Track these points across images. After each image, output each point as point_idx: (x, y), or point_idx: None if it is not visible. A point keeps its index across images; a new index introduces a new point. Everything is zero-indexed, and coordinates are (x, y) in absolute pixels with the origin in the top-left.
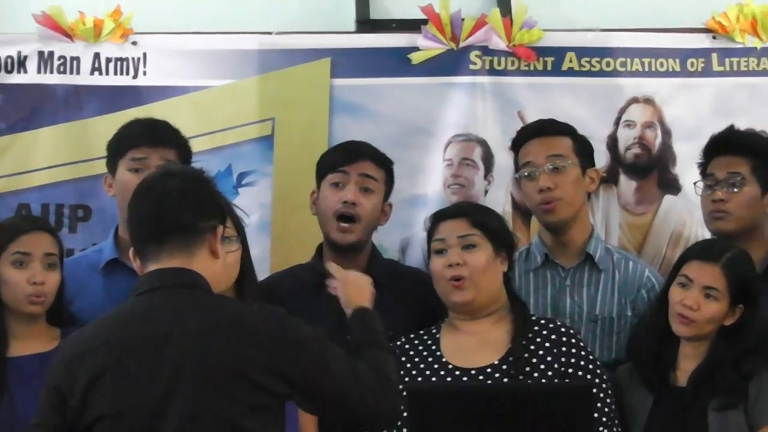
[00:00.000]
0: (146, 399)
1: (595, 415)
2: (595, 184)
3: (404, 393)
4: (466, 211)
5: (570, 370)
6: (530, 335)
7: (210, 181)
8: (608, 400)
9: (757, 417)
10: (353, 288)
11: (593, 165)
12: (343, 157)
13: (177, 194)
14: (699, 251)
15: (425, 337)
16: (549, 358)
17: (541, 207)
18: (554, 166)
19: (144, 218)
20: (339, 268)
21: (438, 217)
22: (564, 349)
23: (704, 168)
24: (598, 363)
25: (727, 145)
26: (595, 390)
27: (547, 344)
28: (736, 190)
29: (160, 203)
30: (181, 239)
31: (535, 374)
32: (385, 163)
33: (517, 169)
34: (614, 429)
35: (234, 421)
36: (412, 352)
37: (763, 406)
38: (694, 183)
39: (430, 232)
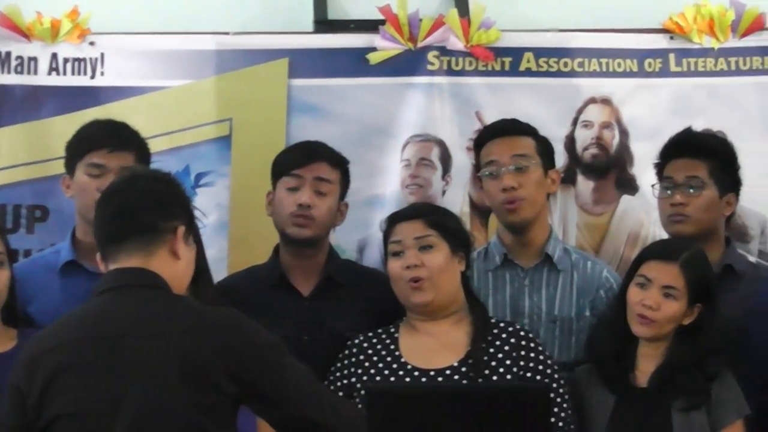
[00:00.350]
0: (101, 398)
1: (552, 419)
2: (556, 185)
3: (363, 392)
4: (422, 212)
5: (528, 374)
6: (489, 338)
7: (176, 183)
8: (564, 405)
9: (720, 418)
10: None
11: (554, 166)
12: (298, 159)
13: (139, 194)
14: (657, 251)
15: (384, 336)
16: (508, 362)
17: (505, 207)
18: (518, 166)
19: (106, 218)
20: None
21: (393, 220)
22: (523, 353)
23: (661, 169)
24: (555, 368)
25: (685, 147)
26: (552, 394)
27: (506, 348)
28: (695, 193)
29: (122, 204)
30: (140, 239)
31: (494, 377)
32: (340, 164)
33: (478, 168)
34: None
35: (188, 420)
36: (370, 351)
37: (725, 407)
38: (652, 185)
39: (386, 235)
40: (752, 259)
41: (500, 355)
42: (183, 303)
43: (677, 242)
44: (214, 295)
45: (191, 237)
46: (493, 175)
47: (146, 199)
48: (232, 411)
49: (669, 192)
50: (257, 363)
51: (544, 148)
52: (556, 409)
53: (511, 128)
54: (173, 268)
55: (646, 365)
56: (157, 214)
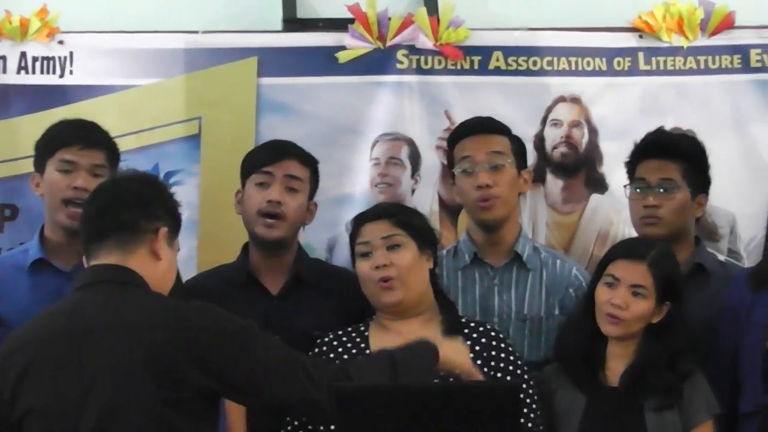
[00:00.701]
0: (69, 392)
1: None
2: (528, 185)
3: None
4: (388, 212)
5: (499, 374)
6: (460, 338)
7: (162, 186)
8: (534, 405)
9: (691, 417)
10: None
11: (526, 166)
12: (268, 157)
13: (123, 194)
14: (624, 250)
15: (354, 335)
16: (479, 362)
17: (478, 204)
18: (494, 164)
19: (89, 217)
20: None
21: (360, 220)
22: (494, 353)
23: (632, 169)
24: (525, 368)
25: (657, 148)
26: (521, 395)
27: (477, 348)
28: (668, 195)
29: (106, 202)
30: (120, 237)
31: (460, 380)
32: (310, 162)
33: (451, 165)
34: None
35: (155, 415)
36: (340, 350)
37: (696, 407)
38: (624, 186)
39: (353, 236)
40: (721, 257)
41: (471, 355)
42: (155, 299)
43: (645, 241)
44: (183, 295)
45: (176, 240)
46: (468, 172)
47: (129, 198)
48: (205, 406)
49: (639, 191)
50: (229, 353)
51: (518, 148)
52: (525, 410)
53: (487, 126)
54: (153, 267)
55: (616, 364)
56: (139, 214)
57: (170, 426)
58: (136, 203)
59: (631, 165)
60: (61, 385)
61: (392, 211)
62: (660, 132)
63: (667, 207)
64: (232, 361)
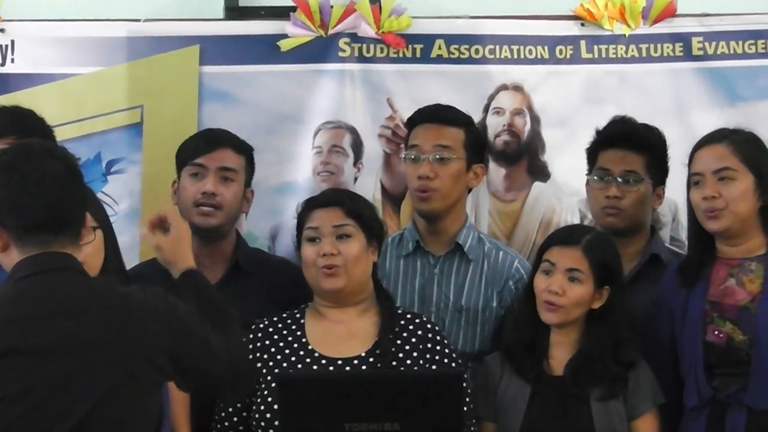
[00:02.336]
0: (41, 380)
1: None
2: (479, 180)
3: (273, 380)
4: (341, 200)
5: (434, 367)
6: (397, 329)
7: (77, 165)
8: (467, 399)
9: (635, 406)
10: (184, 245)
11: (481, 161)
12: (201, 147)
13: (64, 184)
14: (559, 237)
15: (289, 321)
16: (415, 354)
17: (417, 194)
18: (439, 156)
19: (31, 206)
20: (178, 215)
21: (311, 205)
22: (429, 345)
23: (593, 156)
24: (459, 361)
25: (622, 138)
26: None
27: (413, 339)
28: (631, 187)
29: (50, 191)
30: (59, 229)
31: (401, 368)
32: (244, 150)
33: (405, 147)
34: (471, 426)
35: (129, 399)
36: (276, 336)
37: (640, 396)
38: (586, 174)
39: (302, 219)
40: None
41: (407, 347)
42: (111, 285)
43: (579, 227)
44: (124, 282)
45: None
46: (414, 160)
47: (74, 188)
48: (160, 387)
49: (600, 180)
50: (185, 336)
51: (473, 142)
52: None
53: (441, 116)
54: (81, 250)
55: (560, 353)
56: (82, 206)
57: (134, 406)
58: (80, 194)
59: (593, 153)
60: (32, 373)
61: (345, 200)
62: (624, 121)
63: (629, 198)
64: (189, 346)
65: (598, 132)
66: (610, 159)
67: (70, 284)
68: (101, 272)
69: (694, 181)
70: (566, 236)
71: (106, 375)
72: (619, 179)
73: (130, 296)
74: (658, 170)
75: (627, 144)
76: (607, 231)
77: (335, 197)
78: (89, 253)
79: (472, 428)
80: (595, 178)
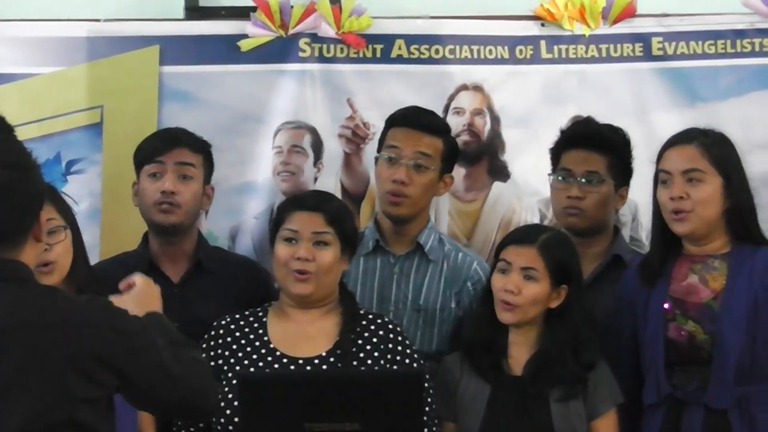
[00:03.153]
0: None
1: None
2: (446, 189)
3: (235, 379)
4: (324, 206)
5: (395, 367)
6: (358, 329)
7: (32, 169)
8: (429, 399)
9: (595, 406)
10: (149, 298)
11: (452, 170)
12: (158, 146)
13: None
14: (515, 236)
15: (251, 320)
16: (375, 354)
17: (389, 197)
18: (417, 164)
19: None
20: (142, 275)
21: (294, 206)
22: (390, 345)
23: (557, 157)
24: (421, 361)
25: (585, 139)
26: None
27: (374, 339)
28: (593, 188)
29: None
30: (6, 237)
31: (362, 368)
32: (201, 148)
33: (380, 146)
34: (432, 426)
35: (68, 413)
36: (237, 334)
37: (600, 396)
38: (549, 175)
39: (281, 218)
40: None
41: (368, 347)
42: (55, 295)
43: (536, 226)
44: (90, 281)
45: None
46: (390, 161)
47: (13, 203)
48: (107, 402)
49: (562, 180)
50: (131, 351)
51: (449, 153)
52: None
53: (424, 123)
54: (35, 250)
55: (518, 353)
56: (25, 217)
57: (78, 424)
58: (20, 208)
59: (556, 153)
60: None
61: (327, 207)
62: (588, 122)
63: (591, 199)
64: (136, 361)
65: (561, 132)
66: (573, 159)
67: (13, 296)
68: (70, 271)
69: (661, 179)
70: (522, 235)
71: (39, 391)
72: (582, 180)
73: (68, 308)
74: (621, 171)
75: (590, 145)
76: (569, 231)
77: (319, 203)
78: (60, 253)
79: (434, 428)
80: (558, 178)
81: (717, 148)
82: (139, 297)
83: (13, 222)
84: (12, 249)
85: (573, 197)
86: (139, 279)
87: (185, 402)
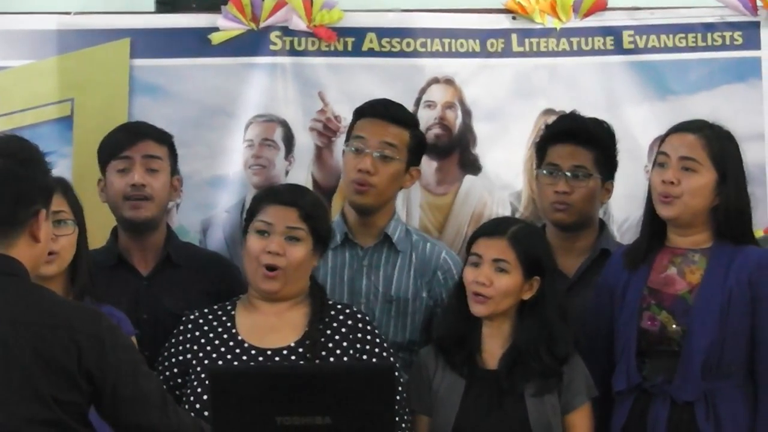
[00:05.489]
0: None
1: None
2: (413, 181)
3: (204, 374)
4: (299, 201)
5: (364, 356)
6: (327, 320)
7: (34, 162)
8: (400, 388)
9: (569, 400)
10: None
11: (419, 163)
12: (123, 141)
13: None
14: (485, 229)
15: (220, 314)
16: (345, 344)
17: (354, 186)
18: (383, 154)
19: None
20: None
21: (269, 198)
22: (359, 335)
23: (542, 152)
24: (391, 350)
25: (571, 133)
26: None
27: (343, 329)
28: (580, 183)
29: None
30: (7, 231)
31: (331, 359)
32: (165, 139)
33: (348, 137)
34: (405, 417)
35: (44, 412)
36: (206, 328)
37: (575, 390)
38: (536, 169)
39: (256, 209)
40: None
41: (337, 337)
42: (43, 295)
43: (506, 219)
44: (91, 288)
45: (49, 214)
46: (356, 152)
47: (2, 188)
48: (85, 409)
49: (549, 175)
50: (113, 365)
51: (416, 145)
52: None
53: (391, 114)
54: (33, 251)
55: (492, 346)
56: (16, 205)
57: (61, 425)
58: (11, 194)
59: (542, 148)
60: None
61: (303, 202)
62: (573, 117)
63: (578, 194)
64: (116, 375)
65: (547, 127)
66: (560, 154)
67: (3, 290)
68: (74, 274)
69: (659, 161)
70: (492, 228)
71: (15, 387)
72: (568, 174)
73: (56, 309)
74: (607, 165)
75: (576, 139)
76: (557, 226)
77: (294, 197)
78: (64, 246)
79: (405, 416)
80: (544, 172)
81: (719, 144)
82: None
83: (4, 209)
84: (2, 240)
85: (560, 192)
86: None
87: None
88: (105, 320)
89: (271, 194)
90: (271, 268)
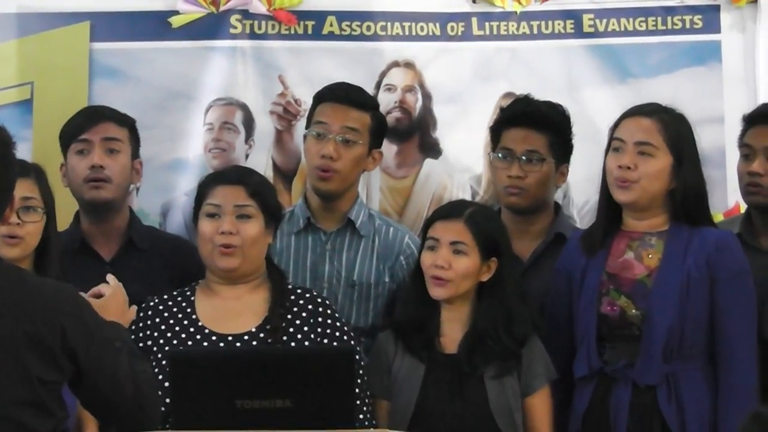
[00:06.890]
0: None
1: None
2: (375, 164)
3: (165, 359)
4: (245, 179)
5: (325, 341)
6: (287, 304)
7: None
8: (361, 371)
9: (529, 383)
10: (118, 304)
11: (381, 145)
12: (83, 123)
13: None
14: (441, 212)
15: (179, 299)
16: (305, 328)
17: (317, 172)
18: (345, 139)
19: None
20: (115, 279)
21: (214, 180)
22: (320, 319)
23: (497, 135)
24: (352, 334)
25: (525, 117)
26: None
27: (304, 314)
28: (533, 167)
29: None
30: None
31: (292, 343)
32: (126, 122)
33: (309, 122)
34: (366, 400)
35: (27, 392)
36: (166, 314)
37: (534, 372)
38: (488, 154)
39: (203, 193)
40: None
41: (298, 322)
42: (23, 275)
43: (461, 201)
44: (60, 277)
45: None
46: (318, 136)
47: None
48: (60, 388)
49: (503, 159)
50: (92, 341)
51: (378, 127)
52: None
53: (351, 98)
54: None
55: (452, 330)
56: None
57: (41, 405)
58: None
59: (496, 132)
60: None
61: (248, 180)
62: (527, 101)
63: (532, 178)
64: (94, 353)
65: (501, 110)
66: (513, 138)
67: None
68: (44, 253)
69: (614, 146)
70: (448, 211)
71: (14, 376)
72: (522, 158)
73: (34, 289)
74: (561, 149)
75: (529, 123)
76: (511, 210)
77: (239, 176)
78: (30, 232)
79: (366, 400)
80: (499, 156)
81: (675, 127)
82: (105, 307)
83: None
84: None
85: (514, 176)
86: (107, 289)
87: (129, 409)
88: (82, 299)
89: (215, 177)
90: (226, 246)
